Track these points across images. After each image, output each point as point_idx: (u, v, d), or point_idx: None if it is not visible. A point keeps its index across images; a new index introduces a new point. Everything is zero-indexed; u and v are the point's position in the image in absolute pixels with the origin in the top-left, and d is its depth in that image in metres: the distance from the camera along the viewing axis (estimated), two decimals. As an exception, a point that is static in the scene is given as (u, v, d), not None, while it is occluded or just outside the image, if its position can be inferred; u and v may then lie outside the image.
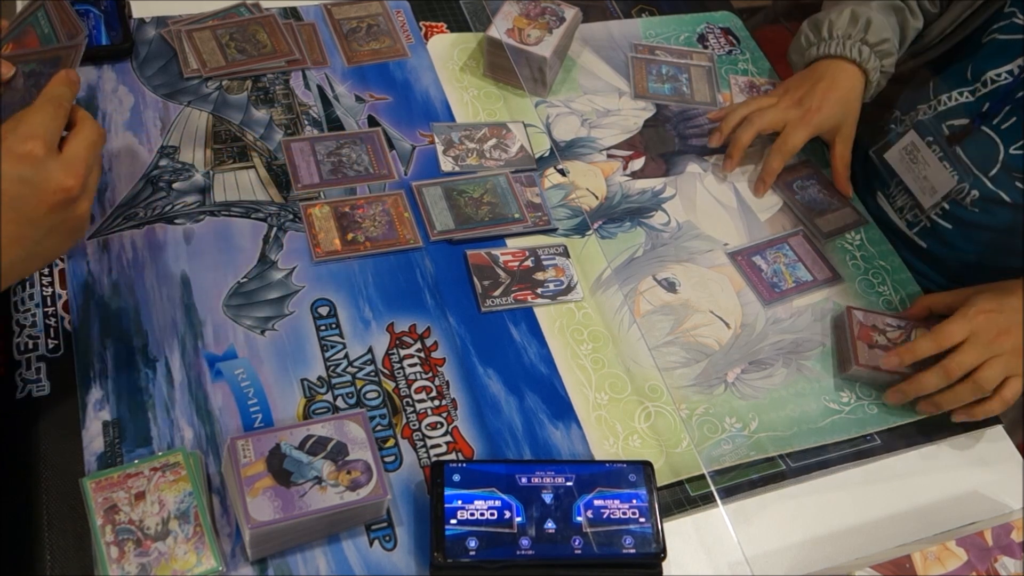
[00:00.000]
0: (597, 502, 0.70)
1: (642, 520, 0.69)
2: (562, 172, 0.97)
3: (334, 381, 0.77)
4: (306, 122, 0.94)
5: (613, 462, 0.72)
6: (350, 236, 0.86)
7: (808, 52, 1.03)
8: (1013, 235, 0.95)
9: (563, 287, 0.87)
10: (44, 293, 0.76)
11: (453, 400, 0.78)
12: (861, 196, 1.03)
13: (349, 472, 0.66)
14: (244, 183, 0.88)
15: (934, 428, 0.85)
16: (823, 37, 1.01)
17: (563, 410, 0.79)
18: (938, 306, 0.89)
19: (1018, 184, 0.93)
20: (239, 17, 0.99)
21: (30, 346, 0.74)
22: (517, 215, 0.91)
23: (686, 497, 0.77)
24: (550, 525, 0.68)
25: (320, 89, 0.97)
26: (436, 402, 0.78)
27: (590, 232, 0.92)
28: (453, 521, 0.67)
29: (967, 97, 0.97)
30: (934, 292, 0.92)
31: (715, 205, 0.98)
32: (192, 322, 0.78)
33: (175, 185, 0.86)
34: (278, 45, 0.97)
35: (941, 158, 0.98)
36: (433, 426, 0.76)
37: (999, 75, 0.94)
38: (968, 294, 0.86)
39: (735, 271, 0.92)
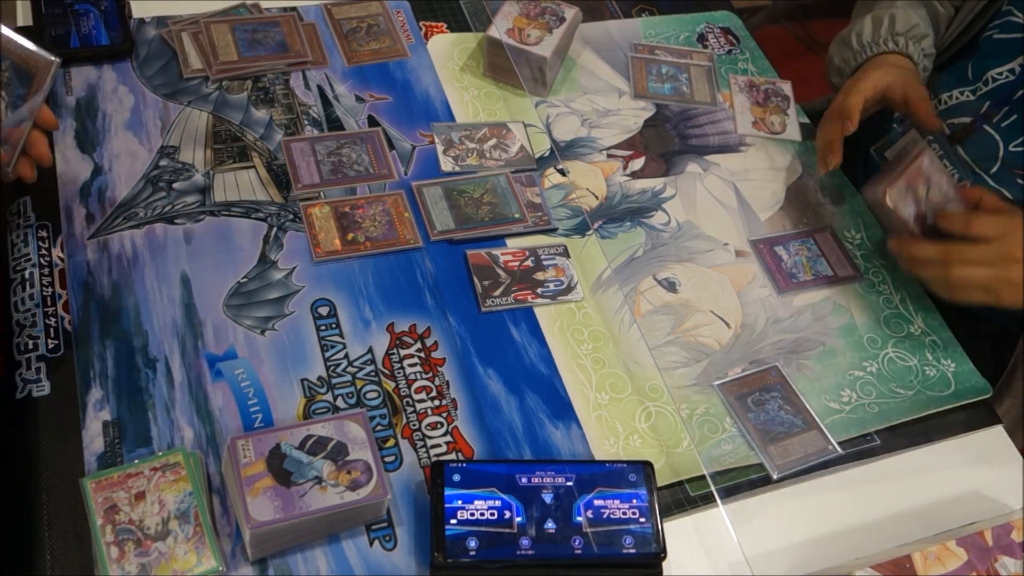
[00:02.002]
0: (597, 502, 0.70)
1: (642, 520, 0.69)
2: (562, 172, 0.97)
3: (334, 381, 0.77)
4: (306, 122, 0.94)
5: (613, 462, 0.72)
6: (350, 236, 0.86)
7: (846, 69, 1.02)
8: None
9: (563, 287, 0.87)
10: (44, 293, 0.76)
11: (453, 400, 0.78)
12: (861, 195, 1.03)
13: (349, 472, 0.66)
14: (244, 183, 0.88)
15: (934, 428, 0.85)
16: (855, 49, 1.00)
17: (563, 410, 0.79)
18: (988, 204, 0.86)
19: (1019, 180, 0.93)
20: (255, 15, 0.99)
21: (30, 346, 0.74)
22: (517, 215, 0.91)
23: (686, 497, 0.77)
24: (550, 525, 0.68)
25: (320, 89, 0.97)
26: (436, 402, 0.78)
27: (590, 232, 0.92)
28: (453, 521, 0.67)
29: (968, 96, 0.97)
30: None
31: (715, 205, 0.98)
32: (192, 322, 0.78)
33: (175, 185, 0.86)
34: (293, 45, 0.98)
35: (942, 156, 0.98)
36: (433, 426, 0.76)
37: (1000, 74, 0.94)
38: (1014, 209, 0.85)
39: (742, 265, 0.92)
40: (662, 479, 0.76)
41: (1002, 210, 0.85)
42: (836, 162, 0.94)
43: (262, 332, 0.78)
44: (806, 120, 1.09)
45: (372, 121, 0.96)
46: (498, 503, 0.68)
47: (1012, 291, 0.81)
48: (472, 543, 0.67)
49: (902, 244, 0.86)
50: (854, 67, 1.01)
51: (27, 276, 0.77)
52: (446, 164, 0.94)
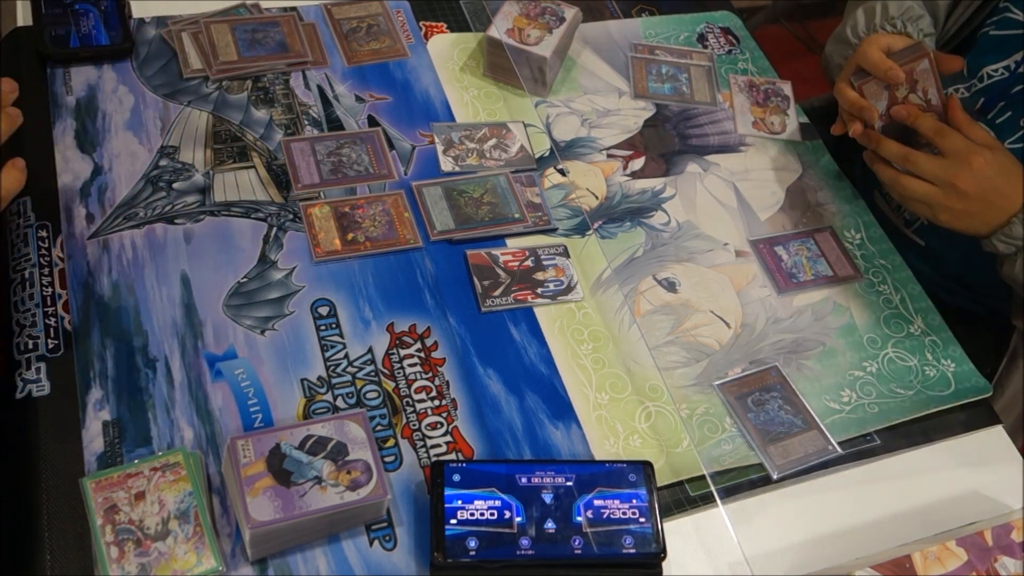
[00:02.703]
0: (597, 502, 0.70)
1: (642, 520, 0.69)
2: (562, 172, 0.97)
3: (334, 381, 0.77)
4: (306, 122, 0.94)
5: (613, 462, 0.72)
6: (350, 236, 0.86)
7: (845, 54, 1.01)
8: None
9: (563, 287, 0.87)
10: (44, 293, 0.76)
11: (453, 400, 0.78)
12: (860, 194, 1.03)
13: (349, 472, 0.66)
14: (244, 183, 0.88)
15: (934, 428, 0.85)
16: (852, 43, 0.99)
17: (563, 410, 0.79)
18: (965, 124, 0.87)
19: None
20: (255, 15, 0.99)
21: (30, 346, 0.74)
22: (517, 215, 0.91)
23: (686, 497, 0.77)
24: (550, 525, 0.68)
25: (320, 89, 0.97)
26: (436, 402, 0.78)
27: (590, 232, 0.92)
28: (453, 521, 0.67)
29: (963, 93, 0.97)
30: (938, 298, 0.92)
31: (715, 205, 0.98)
32: (192, 322, 0.78)
33: (175, 185, 0.86)
34: (293, 45, 0.98)
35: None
36: (433, 426, 0.76)
37: (996, 71, 0.94)
38: (992, 143, 0.86)
39: (742, 265, 0.92)
40: (662, 479, 0.76)
41: (975, 137, 0.86)
42: (871, 116, 0.92)
43: (262, 332, 0.78)
44: (806, 120, 1.09)
45: (372, 121, 0.96)
46: (498, 503, 0.68)
47: (947, 215, 0.85)
48: (472, 543, 0.67)
49: (870, 136, 0.88)
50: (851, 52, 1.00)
51: (27, 276, 0.77)
52: (446, 164, 0.94)
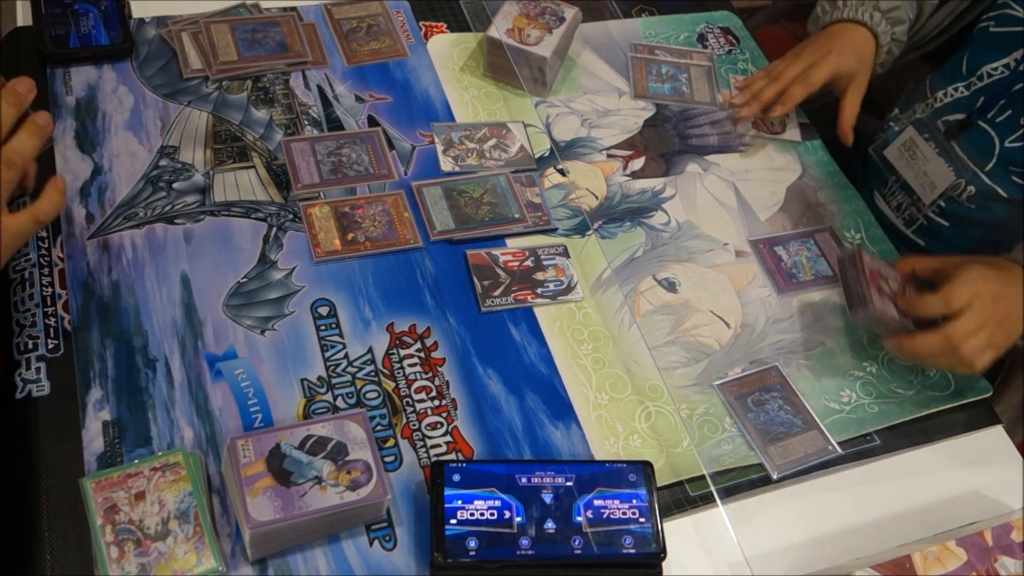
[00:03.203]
0: (597, 502, 0.69)
1: (642, 520, 0.69)
2: (562, 172, 0.97)
3: (334, 381, 0.77)
4: (306, 122, 0.94)
5: (613, 462, 0.72)
6: (350, 236, 0.86)
7: (823, 19, 1.04)
8: (1009, 230, 0.95)
9: (563, 287, 0.87)
10: (44, 293, 0.76)
11: (453, 400, 0.78)
12: (860, 194, 1.03)
13: (349, 472, 0.66)
14: (244, 183, 0.88)
15: (934, 428, 0.85)
16: (837, 6, 1.02)
17: (563, 410, 0.79)
18: (923, 269, 0.87)
19: (1014, 178, 0.93)
20: (255, 15, 0.99)
21: (30, 346, 0.74)
22: (517, 215, 0.91)
23: (686, 497, 0.77)
24: (550, 525, 0.68)
25: (320, 89, 0.97)
26: (436, 402, 0.78)
27: (590, 232, 0.92)
28: (453, 521, 0.67)
29: (962, 92, 0.97)
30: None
31: (715, 205, 0.98)
32: (192, 322, 0.78)
33: (175, 185, 0.86)
34: (293, 45, 0.98)
35: (939, 154, 0.98)
36: (433, 426, 0.76)
37: (995, 69, 0.94)
38: (955, 262, 0.84)
39: (742, 265, 0.92)
40: (662, 479, 0.76)
41: (937, 268, 0.85)
42: (782, 113, 1.00)
43: (262, 332, 0.78)
44: (806, 120, 1.09)
45: (372, 121, 0.96)
46: (498, 503, 0.68)
47: (1013, 333, 0.83)
48: (472, 543, 0.66)
49: (901, 343, 0.83)
50: (828, 22, 1.03)
51: (27, 276, 0.77)
52: (446, 164, 0.94)
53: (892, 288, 0.86)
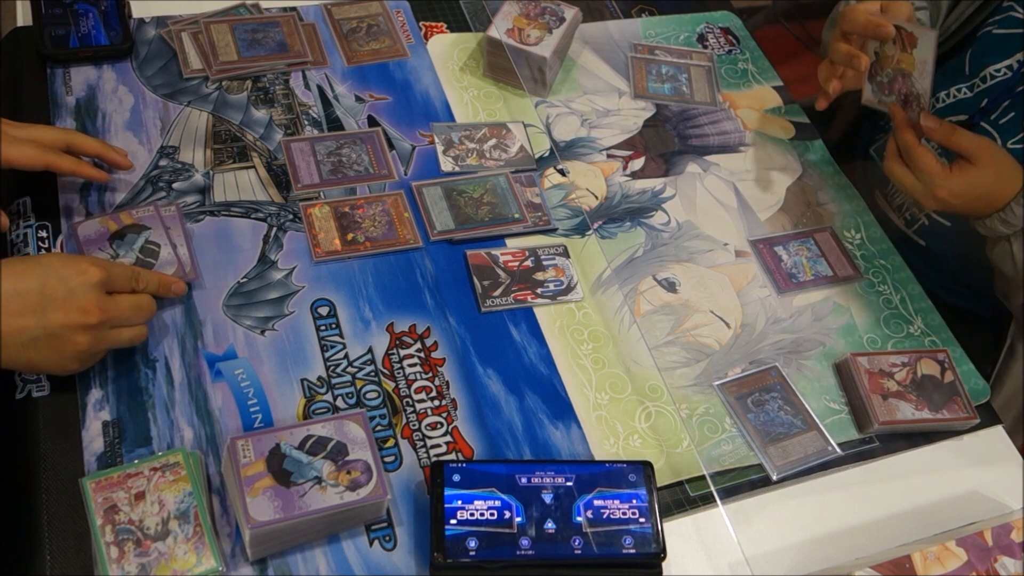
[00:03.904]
0: (597, 502, 0.69)
1: (642, 520, 0.69)
2: (562, 172, 0.97)
3: (334, 381, 0.77)
4: (306, 122, 0.94)
5: (613, 462, 0.72)
6: (350, 236, 0.85)
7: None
8: None
9: (563, 287, 0.87)
10: (44, 293, 0.76)
11: (453, 400, 0.78)
12: (860, 194, 1.03)
13: (349, 472, 0.66)
14: (244, 183, 0.88)
15: (934, 428, 0.85)
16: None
17: (563, 410, 0.79)
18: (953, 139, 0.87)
19: None
20: (254, 15, 0.99)
21: (30, 346, 0.73)
22: (517, 215, 0.91)
23: (686, 497, 0.77)
24: (550, 525, 0.68)
25: (320, 89, 0.97)
26: (436, 402, 0.78)
27: (590, 232, 0.92)
28: (453, 521, 0.67)
29: (965, 93, 0.97)
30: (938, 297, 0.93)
31: (715, 205, 0.98)
32: (192, 322, 0.78)
33: (175, 185, 0.86)
34: (293, 45, 0.98)
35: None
36: (433, 426, 0.76)
37: (998, 70, 0.94)
38: (972, 153, 0.85)
39: (742, 265, 0.92)
40: (662, 479, 0.76)
41: (961, 146, 0.85)
42: (860, 64, 0.89)
43: (262, 332, 0.78)
44: (806, 120, 1.09)
45: (372, 121, 0.96)
46: (498, 503, 0.68)
47: (934, 209, 0.90)
48: (472, 543, 0.66)
49: (896, 113, 0.87)
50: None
51: (27, 276, 0.77)
52: (446, 164, 0.94)
53: (900, 380, 0.84)
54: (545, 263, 0.88)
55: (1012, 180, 0.84)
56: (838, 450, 0.81)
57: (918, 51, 0.85)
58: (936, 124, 0.85)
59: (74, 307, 0.65)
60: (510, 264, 0.88)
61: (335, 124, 0.94)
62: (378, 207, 0.88)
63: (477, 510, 0.68)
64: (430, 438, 0.76)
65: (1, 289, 0.63)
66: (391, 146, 0.94)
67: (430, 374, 0.79)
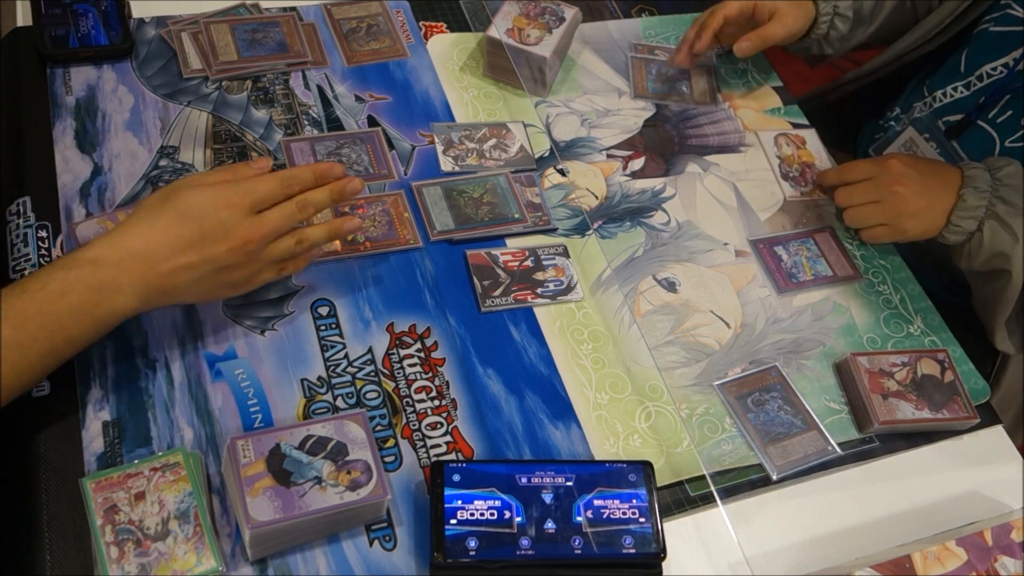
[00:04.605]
0: (597, 502, 0.69)
1: (642, 520, 0.69)
2: (562, 172, 0.97)
3: (334, 381, 0.77)
4: (306, 122, 0.94)
5: (613, 462, 0.72)
6: (350, 236, 0.85)
7: None
8: None
9: (563, 287, 0.87)
10: (44, 293, 0.76)
11: (453, 400, 0.78)
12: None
13: (349, 472, 0.66)
14: (244, 183, 0.88)
15: (934, 428, 0.85)
16: None
17: (563, 410, 0.79)
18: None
19: None
20: (254, 15, 0.99)
21: (30, 346, 0.73)
22: (517, 215, 0.91)
23: (686, 497, 0.77)
24: (550, 525, 0.68)
25: (320, 89, 0.97)
26: (436, 402, 0.78)
27: (590, 232, 0.92)
28: (453, 521, 0.67)
29: (962, 92, 0.97)
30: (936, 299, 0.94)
31: (715, 205, 0.98)
32: (192, 322, 0.78)
33: (175, 185, 0.86)
34: (293, 45, 0.98)
35: (940, 153, 0.98)
36: (433, 426, 0.76)
37: (994, 69, 0.94)
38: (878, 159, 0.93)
39: (742, 265, 0.92)
40: (662, 479, 0.76)
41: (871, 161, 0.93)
42: (688, 58, 1.04)
43: (262, 332, 0.78)
44: (806, 120, 1.09)
45: (372, 121, 0.96)
46: (498, 503, 0.68)
47: (910, 221, 0.89)
48: (472, 543, 0.66)
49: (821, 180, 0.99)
50: None
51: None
52: (446, 164, 0.94)
53: (900, 379, 0.84)
54: (545, 263, 0.88)
55: (943, 167, 0.90)
56: (838, 450, 0.81)
57: (810, 145, 1.05)
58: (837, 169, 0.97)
59: (235, 238, 0.68)
60: (510, 264, 0.88)
61: (335, 124, 0.94)
62: (378, 207, 0.88)
63: (477, 510, 0.68)
64: (430, 438, 0.76)
65: (163, 243, 0.66)
66: (391, 146, 0.94)
67: (430, 374, 0.79)
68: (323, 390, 0.76)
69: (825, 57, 1.08)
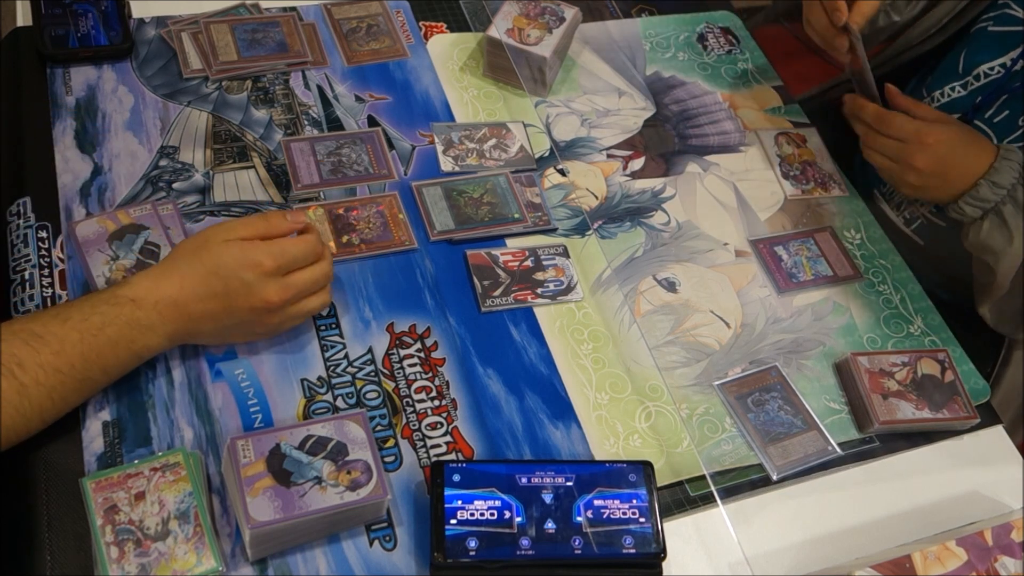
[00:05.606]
0: (597, 502, 0.69)
1: (642, 520, 0.69)
2: (562, 172, 0.97)
3: (334, 381, 0.77)
4: (306, 122, 0.94)
5: (613, 462, 0.72)
6: (345, 239, 0.85)
7: None
8: None
9: (563, 287, 0.87)
10: (44, 294, 0.76)
11: (453, 400, 0.78)
12: (860, 194, 1.03)
13: (349, 472, 0.66)
14: (244, 183, 0.88)
15: (934, 428, 0.85)
16: None
17: (563, 410, 0.79)
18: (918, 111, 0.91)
19: None
20: (254, 15, 0.99)
21: (30, 346, 0.73)
22: (517, 215, 0.91)
23: (686, 497, 0.76)
24: (550, 525, 0.68)
25: (320, 89, 0.97)
26: (436, 402, 0.78)
27: (590, 232, 0.92)
28: (453, 521, 0.67)
29: (959, 92, 0.97)
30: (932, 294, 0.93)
31: (715, 205, 0.98)
32: (192, 322, 0.78)
33: (175, 185, 0.86)
34: (293, 45, 0.98)
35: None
36: (433, 426, 0.76)
37: (992, 68, 0.94)
38: (941, 117, 0.90)
39: (742, 265, 0.92)
40: (662, 479, 0.76)
41: (922, 115, 0.89)
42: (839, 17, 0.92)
43: (262, 332, 0.78)
44: (806, 120, 1.09)
45: (372, 121, 0.96)
46: (498, 503, 0.68)
47: (908, 189, 0.90)
48: (472, 543, 0.66)
49: (854, 100, 0.93)
50: None
51: (27, 277, 0.77)
52: (446, 164, 0.94)
53: (900, 379, 0.83)
54: (545, 263, 0.88)
55: (982, 150, 0.87)
56: (838, 450, 0.81)
57: (811, 143, 1.04)
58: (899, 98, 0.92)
59: (257, 298, 0.71)
60: (510, 264, 0.88)
61: (335, 124, 0.94)
62: (372, 209, 0.88)
63: (477, 510, 0.68)
64: (430, 438, 0.76)
65: (192, 293, 0.70)
66: (391, 146, 0.94)
67: (430, 374, 0.79)
68: (323, 390, 0.76)
69: (881, 33, 1.07)
